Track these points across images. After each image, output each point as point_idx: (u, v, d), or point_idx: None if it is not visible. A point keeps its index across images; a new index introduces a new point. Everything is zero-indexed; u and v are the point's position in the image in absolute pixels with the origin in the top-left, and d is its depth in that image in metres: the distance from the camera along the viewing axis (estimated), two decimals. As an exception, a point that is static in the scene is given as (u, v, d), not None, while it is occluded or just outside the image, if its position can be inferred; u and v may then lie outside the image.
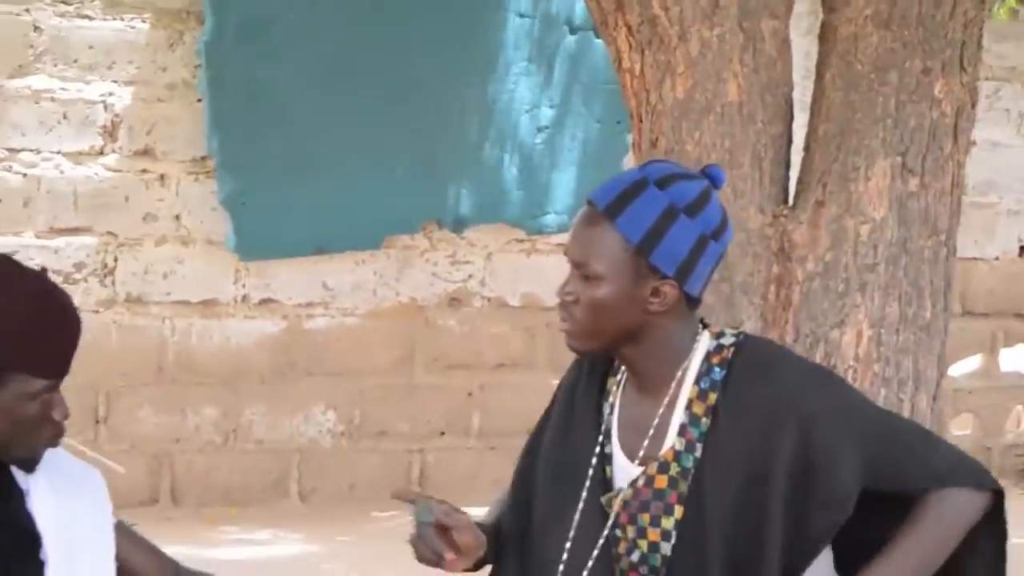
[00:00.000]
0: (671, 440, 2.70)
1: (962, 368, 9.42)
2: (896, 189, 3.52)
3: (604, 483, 2.78)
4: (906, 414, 3.45)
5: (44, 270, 2.75)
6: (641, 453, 2.74)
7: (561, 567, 2.78)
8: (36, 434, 2.70)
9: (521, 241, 8.65)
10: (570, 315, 2.71)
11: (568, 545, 2.79)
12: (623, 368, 2.80)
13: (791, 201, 3.66)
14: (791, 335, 3.53)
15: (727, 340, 2.76)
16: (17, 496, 2.78)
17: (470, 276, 8.60)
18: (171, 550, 7.17)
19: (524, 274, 8.65)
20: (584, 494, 2.78)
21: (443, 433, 8.56)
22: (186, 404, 8.11)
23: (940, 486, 2.66)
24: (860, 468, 2.65)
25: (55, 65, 7.77)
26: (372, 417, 8.42)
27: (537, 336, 8.65)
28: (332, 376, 8.33)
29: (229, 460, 8.20)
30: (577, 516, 2.79)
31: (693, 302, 2.73)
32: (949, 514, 2.67)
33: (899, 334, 3.48)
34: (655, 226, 2.66)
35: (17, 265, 2.73)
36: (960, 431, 9.46)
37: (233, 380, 8.18)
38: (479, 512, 8.42)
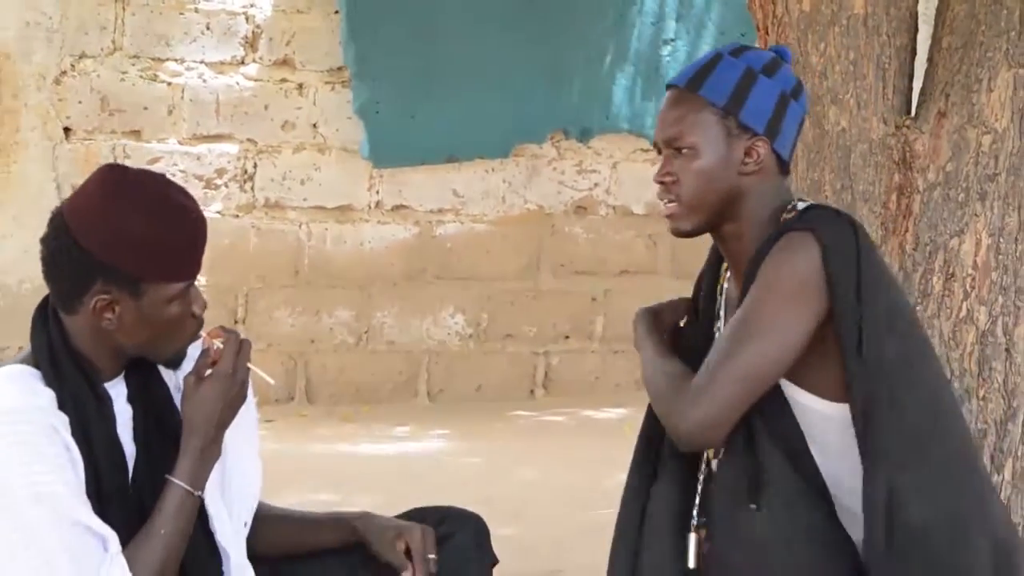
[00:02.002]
0: None
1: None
2: (1018, 100, 3.45)
3: None
4: (1023, 322, 3.42)
5: (162, 175, 2.77)
6: None
7: None
8: (180, 332, 2.73)
9: (646, 151, 8.62)
10: (673, 196, 2.77)
11: None
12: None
13: (914, 112, 3.62)
14: (911, 243, 3.50)
15: (800, 206, 2.77)
16: (165, 392, 2.83)
17: (596, 184, 8.59)
18: (306, 446, 7.32)
19: (648, 183, 8.52)
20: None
21: (567, 336, 8.59)
22: (321, 306, 8.20)
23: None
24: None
25: (198, -23, 7.85)
26: (499, 320, 8.47)
27: (660, 243, 8.64)
28: (461, 280, 8.39)
29: (361, 360, 8.29)
30: None
31: (783, 165, 2.78)
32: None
33: (1018, 243, 3.43)
34: (738, 87, 2.73)
35: (136, 177, 2.72)
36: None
37: (366, 283, 8.25)
38: (603, 414, 8.37)
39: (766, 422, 2.66)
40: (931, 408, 2.64)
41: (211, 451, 2.73)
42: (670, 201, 2.78)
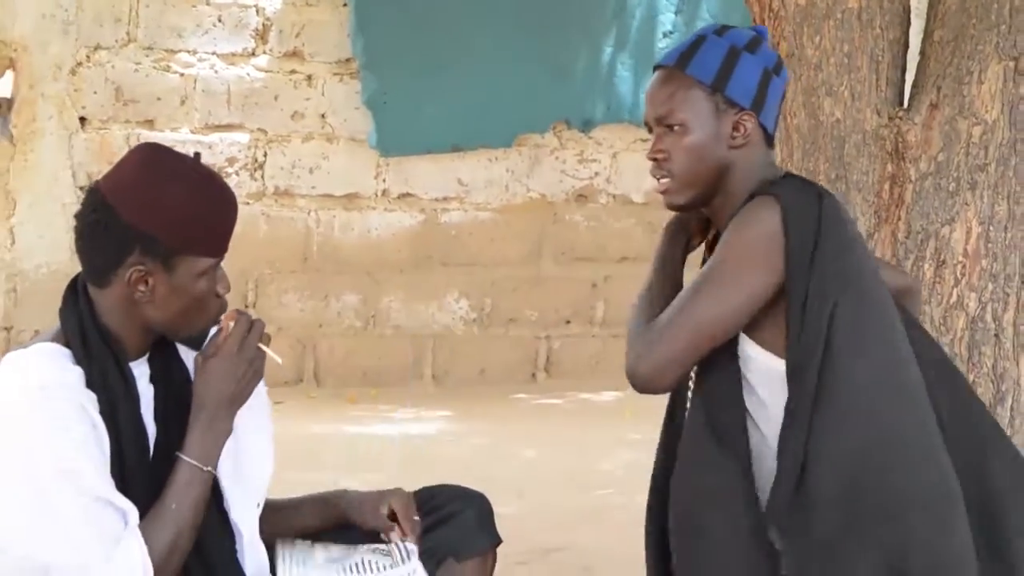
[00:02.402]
0: None
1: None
2: (1008, 92, 3.46)
3: None
4: (1011, 307, 3.43)
5: (198, 155, 2.80)
6: None
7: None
8: (205, 310, 2.75)
9: (645, 140, 8.59)
10: (666, 171, 2.82)
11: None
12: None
13: (906, 103, 3.62)
14: (903, 232, 3.50)
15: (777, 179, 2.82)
16: (185, 374, 2.84)
17: (596, 173, 8.59)
18: (315, 427, 7.32)
19: (647, 172, 8.60)
20: None
21: (568, 321, 8.60)
22: (329, 291, 8.21)
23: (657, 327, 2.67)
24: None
25: (210, -29, 7.85)
26: (502, 305, 8.48)
27: (659, 231, 8.59)
28: (465, 266, 8.39)
29: (368, 344, 8.30)
30: None
31: (769, 139, 2.81)
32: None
33: (1007, 231, 3.44)
34: (723, 64, 2.76)
35: (175, 155, 2.76)
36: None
37: (373, 269, 8.26)
38: (603, 397, 8.36)
39: (697, 379, 2.73)
40: (878, 377, 2.63)
41: (217, 427, 2.73)
42: (663, 177, 2.83)
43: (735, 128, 2.77)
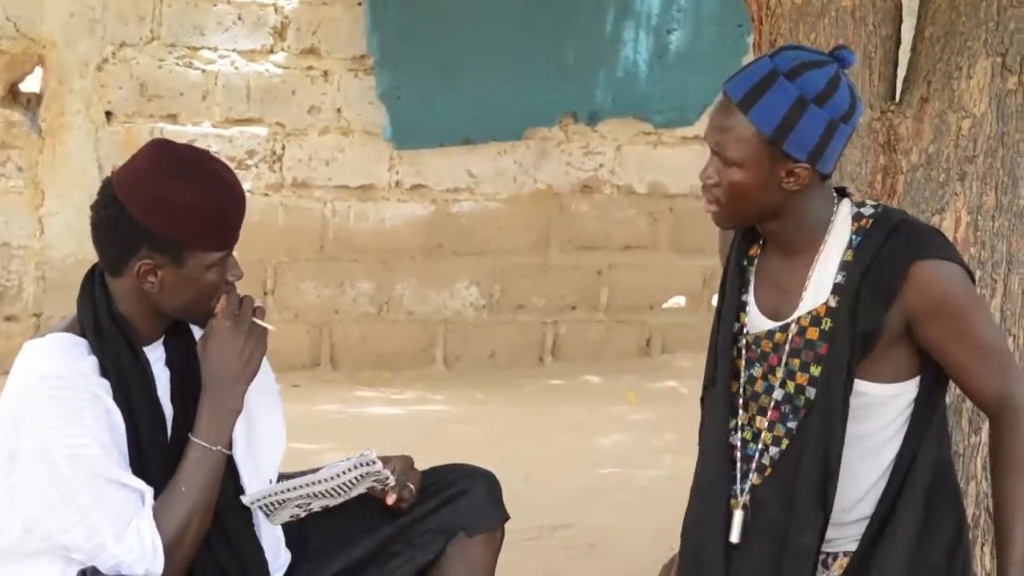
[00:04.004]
0: (822, 297, 2.72)
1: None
2: (995, 87, 3.46)
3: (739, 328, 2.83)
4: (999, 294, 3.43)
5: (206, 151, 2.78)
6: (780, 308, 2.76)
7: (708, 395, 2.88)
8: (216, 297, 2.74)
9: (648, 134, 8.61)
10: (713, 197, 2.71)
11: (714, 374, 2.85)
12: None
13: (898, 97, 3.62)
14: (894, 221, 3.50)
15: (867, 210, 2.75)
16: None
17: (601, 165, 8.58)
18: (329, 408, 7.33)
19: (650, 164, 8.62)
20: (725, 335, 2.84)
21: (574, 307, 8.59)
22: (344, 278, 8.21)
23: (1001, 397, 2.67)
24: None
25: (230, -29, 7.85)
26: (510, 292, 8.47)
27: (660, 220, 8.63)
28: (475, 255, 8.39)
29: (382, 329, 8.30)
30: (719, 352, 2.85)
31: (826, 176, 2.72)
32: None
33: (995, 220, 3.43)
34: (786, 117, 2.62)
35: (183, 151, 2.74)
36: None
37: (386, 257, 8.26)
38: (606, 380, 8.33)
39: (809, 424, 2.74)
40: None
41: (224, 407, 2.72)
42: (711, 201, 2.72)
43: (788, 175, 2.66)
